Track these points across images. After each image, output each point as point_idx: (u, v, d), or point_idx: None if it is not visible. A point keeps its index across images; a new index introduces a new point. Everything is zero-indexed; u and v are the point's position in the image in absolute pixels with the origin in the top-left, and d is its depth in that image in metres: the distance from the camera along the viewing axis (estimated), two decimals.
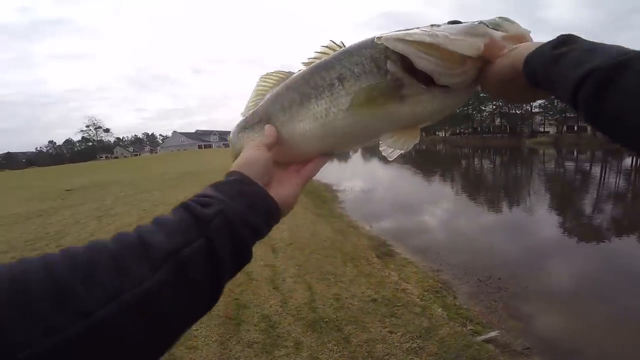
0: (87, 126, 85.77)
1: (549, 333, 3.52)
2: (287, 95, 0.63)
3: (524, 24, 0.51)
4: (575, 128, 48.94)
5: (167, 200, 9.36)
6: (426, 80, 0.51)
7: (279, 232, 6.04)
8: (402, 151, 0.55)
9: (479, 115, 64.35)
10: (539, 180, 15.14)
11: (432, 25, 0.53)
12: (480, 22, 0.52)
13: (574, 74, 0.35)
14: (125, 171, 23.65)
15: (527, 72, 0.42)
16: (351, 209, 9.65)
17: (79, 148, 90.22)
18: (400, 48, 0.51)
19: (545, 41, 0.42)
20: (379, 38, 0.53)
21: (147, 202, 9.39)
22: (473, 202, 11.03)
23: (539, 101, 52.88)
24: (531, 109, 55.48)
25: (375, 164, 30.09)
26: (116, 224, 6.78)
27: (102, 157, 79.81)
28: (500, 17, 0.53)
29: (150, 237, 0.37)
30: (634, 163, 18.66)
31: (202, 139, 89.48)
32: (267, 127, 0.63)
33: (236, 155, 0.65)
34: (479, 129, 65.54)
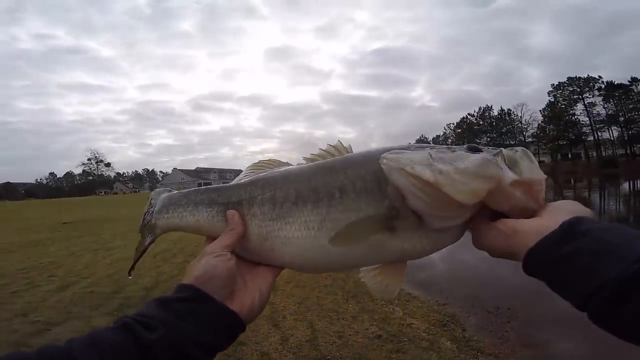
0: (89, 159, 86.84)
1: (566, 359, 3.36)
2: (283, 187, 0.55)
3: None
4: (569, 155, 49.38)
5: (164, 237, 9.07)
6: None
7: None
8: (387, 298, 0.55)
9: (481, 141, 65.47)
10: None
11: (449, 147, 0.50)
12: (500, 152, 0.48)
13: (584, 287, 0.33)
14: (124, 207, 23.55)
15: (526, 267, 0.39)
16: None
17: (79, 182, 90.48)
18: (395, 179, 0.47)
19: (550, 231, 0.37)
20: (383, 157, 0.48)
21: None
22: None
23: (532, 130, 53.80)
24: (524, 139, 56.31)
25: None
26: (112, 257, 6.69)
27: (101, 193, 79.75)
28: (522, 152, 0.48)
29: (82, 358, 0.36)
30: (631, 187, 18.77)
31: (202, 176, 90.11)
32: (231, 213, 0.54)
33: (151, 232, 0.62)
34: None
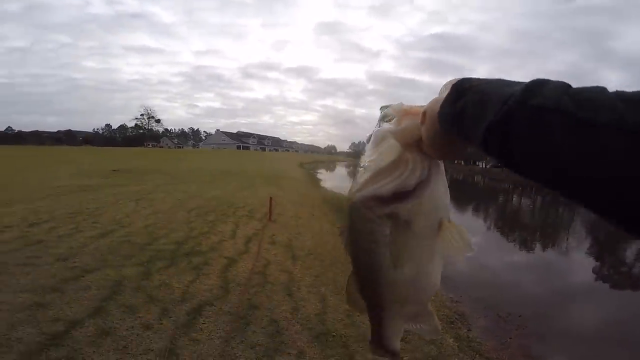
0: (142, 115, 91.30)
1: None
2: None
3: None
4: None
5: (201, 194, 9.74)
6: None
7: (301, 240, 6.08)
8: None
9: None
10: (581, 225, 14.19)
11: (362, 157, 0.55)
12: (375, 129, 0.54)
13: (477, 133, 0.38)
14: (168, 161, 24.91)
15: (444, 130, 0.45)
16: None
17: (130, 134, 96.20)
18: (370, 194, 0.51)
19: (444, 94, 0.44)
20: (350, 200, 0.54)
21: (183, 192, 9.81)
22: (505, 238, 10.61)
23: None
24: None
25: None
26: (152, 209, 7.11)
27: (149, 145, 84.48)
28: (381, 109, 0.55)
29: None
30: None
31: (242, 140, 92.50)
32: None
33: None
34: None
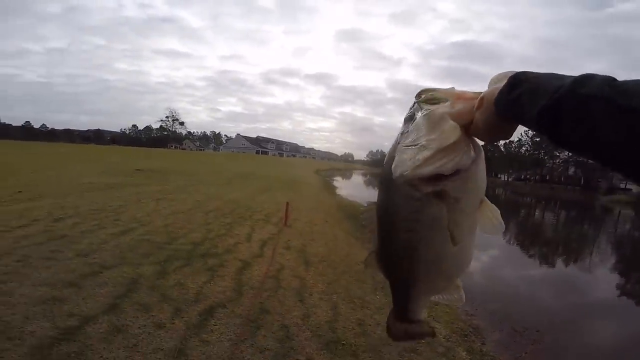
0: (167, 117, 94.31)
1: None
2: None
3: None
4: None
5: (219, 196, 9.91)
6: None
7: (315, 246, 6.07)
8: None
9: (550, 161, 59.30)
10: (605, 241, 13.63)
11: (399, 141, 0.57)
12: (417, 105, 0.57)
13: (531, 116, 0.44)
14: (189, 163, 25.51)
15: (500, 115, 0.50)
16: None
17: (155, 135, 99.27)
18: (430, 171, 0.52)
19: (496, 84, 0.51)
20: (400, 177, 0.54)
21: (203, 194, 10.01)
22: (525, 252, 10.28)
23: None
24: None
25: None
26: (172, 208, 7.29)
27: (172, 147, 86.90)
28: (423, 93, 0.57)
29: None
30: None
31: (261, 145, 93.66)
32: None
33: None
34: (547, 177, 60.21)
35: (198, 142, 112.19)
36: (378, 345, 3.15)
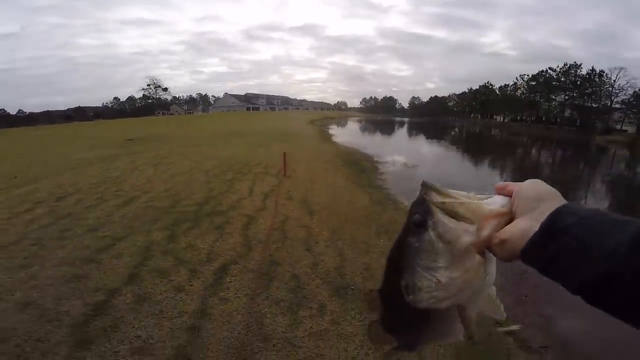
0: (148, 85, 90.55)
1: (569, 335, 3.36)
2: None
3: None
4: None
5: (215, 154, 9.88)
6: None
7: (316, 194, 6.16)
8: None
9: (546, 103, 58.53)
10: (599, 183, 13.69)
11: (410, 249, 0.48)
12: (443, 226, 0.46)
13: (570, 284, 0.36)
14: (179, 127, 24.98)
15: (526, 264, 0.41)
16: (391, 181, 9.51)
17: (139, 104, 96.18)
18: (445, 306, 0.47)
19: (533, 233, 0.39)
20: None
21: (198, 154, 9.98)
22: None
23: (623, 97, 47.51)
24: (611, 104, 49.43)
25: (421, 141, 29.01)
26: (170, 172, 7.29)
27: (159, 113, 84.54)
28: (440, 195, 0.46)
29: None
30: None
31: (251, 102, 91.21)
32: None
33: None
34: (543, 118, 59.76)
35: (186, 106, 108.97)
36: None
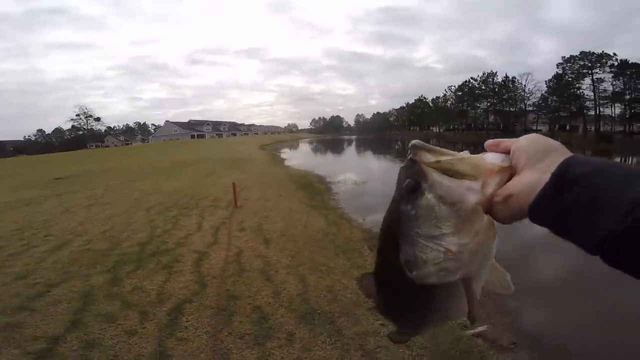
0: (77, 115, 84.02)
1: (536, 328, 3.56)
2: None
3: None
4: (567, 127, 49.62)
5: (159, 189, 9.26)
6: None
7: (271, 222, 6.03)
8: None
9: (473, 111, 64.86)
10: None
11: (405, 217, 0.44)
12: (443, 185, 0.43)
13: (589, 241, 0.32)
14: (116, 160, 23.32)
15: (536, 222, 0.38)
16: (344, 201, 9.69)
17: (68, 137, 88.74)
18: (455, 278, 0.43)
19: (543, 186, 0.36)
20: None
21: (139, 191, 9.27)
22: None
23: (533, 99, 54.57)
24: (525, 107, 56.16)
25: (369, 157, 30.18)
26: (106, 213, 6.68)
27: (92, 146, 78.36)
28: (434, 153, 0.44)
29: None
30: (623, 161, 18.89)
31: (195, 128, 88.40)
32: None
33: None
34: (472, 126, 66.11)
35: (122, 137, 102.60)
36: (351, 308, 3.29)
